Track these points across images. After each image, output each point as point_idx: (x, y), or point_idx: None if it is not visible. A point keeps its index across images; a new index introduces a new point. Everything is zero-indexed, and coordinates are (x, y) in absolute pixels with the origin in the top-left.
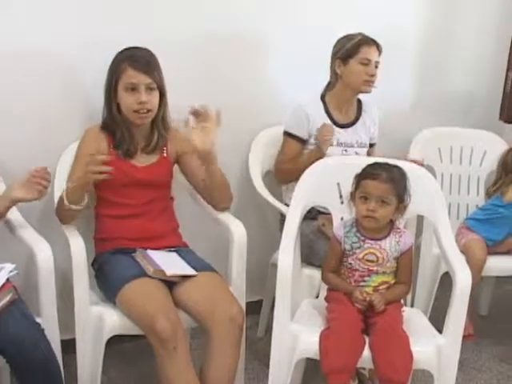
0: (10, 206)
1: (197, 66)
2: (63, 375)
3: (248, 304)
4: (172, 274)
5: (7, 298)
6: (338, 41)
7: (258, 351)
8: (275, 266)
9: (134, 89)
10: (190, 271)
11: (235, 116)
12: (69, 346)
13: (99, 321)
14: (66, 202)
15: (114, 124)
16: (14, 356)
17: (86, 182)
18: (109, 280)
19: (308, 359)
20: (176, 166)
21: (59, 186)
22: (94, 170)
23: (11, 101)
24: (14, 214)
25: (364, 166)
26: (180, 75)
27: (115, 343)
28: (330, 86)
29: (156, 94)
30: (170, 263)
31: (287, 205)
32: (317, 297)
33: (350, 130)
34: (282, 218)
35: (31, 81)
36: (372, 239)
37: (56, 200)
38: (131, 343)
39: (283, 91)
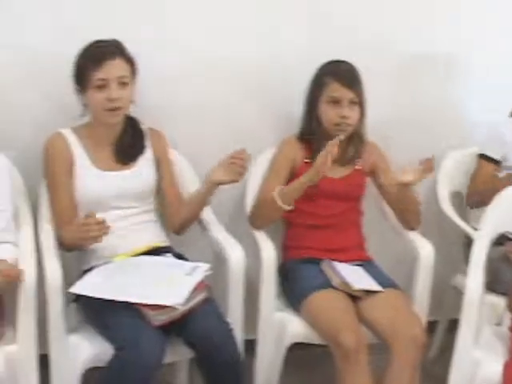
0: (210, 188)
1: (388, 81)
2: None
3: None
4: (359, 289)
5: (201, 296)
6: None
7: (431, 374)
8: (456, 288)
9: (336, 102)
10: (376, 287)
11: (423, 133)
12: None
13: (282, 327)
14: (279, 202)
15: (313, 135)
16: (204, 352)
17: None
18: (295, 287)
19: None
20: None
21: (252, 190)
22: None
23: (208, 105)
24: (207, 215)
25: None
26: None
27: (288, 349)
28: None
29: (357, 109)
30: (357, 277)
31: (472, 227)
32: (498, 324)
33: None
34: (467, 240)
35: (229, 87)
36: None
37: (249, 203)
38: (303, 351)
39: (472, 113)
